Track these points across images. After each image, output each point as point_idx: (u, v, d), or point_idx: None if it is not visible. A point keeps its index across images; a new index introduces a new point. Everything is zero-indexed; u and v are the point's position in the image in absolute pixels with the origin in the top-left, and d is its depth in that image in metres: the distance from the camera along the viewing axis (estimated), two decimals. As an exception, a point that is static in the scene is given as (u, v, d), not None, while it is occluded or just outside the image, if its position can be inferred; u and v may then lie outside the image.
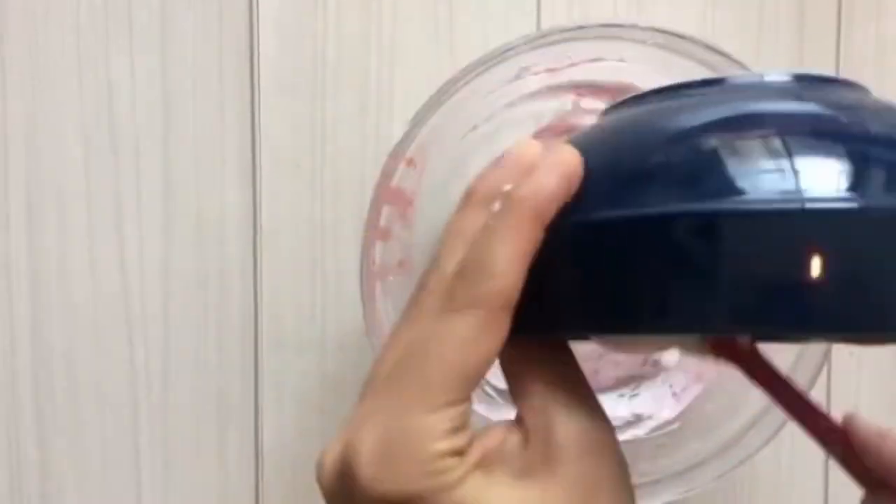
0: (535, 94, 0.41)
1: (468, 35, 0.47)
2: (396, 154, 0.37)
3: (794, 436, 0.29)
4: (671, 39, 0.36)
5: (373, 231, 0.37)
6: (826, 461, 0.49)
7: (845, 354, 0.48)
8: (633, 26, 0.37)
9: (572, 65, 0.39)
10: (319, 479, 0.25)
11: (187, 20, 0.47)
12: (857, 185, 0.21)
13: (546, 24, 0.47)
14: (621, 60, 0.39)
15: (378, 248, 0.38)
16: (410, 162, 0.38)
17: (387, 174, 0.37)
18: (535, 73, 0.40)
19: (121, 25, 0.47)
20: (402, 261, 0.41)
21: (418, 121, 0.37)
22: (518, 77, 0.39)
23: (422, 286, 0.26)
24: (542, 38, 0.37)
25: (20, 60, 0.47)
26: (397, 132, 0.47)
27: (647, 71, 0.39)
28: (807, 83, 0.25)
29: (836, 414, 0.28)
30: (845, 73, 0.48)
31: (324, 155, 0.48)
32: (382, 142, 0.47)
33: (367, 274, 0.38)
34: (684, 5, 0.47)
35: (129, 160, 0.47)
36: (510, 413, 0.26)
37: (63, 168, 0.42)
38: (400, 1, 0.47)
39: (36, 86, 0.47)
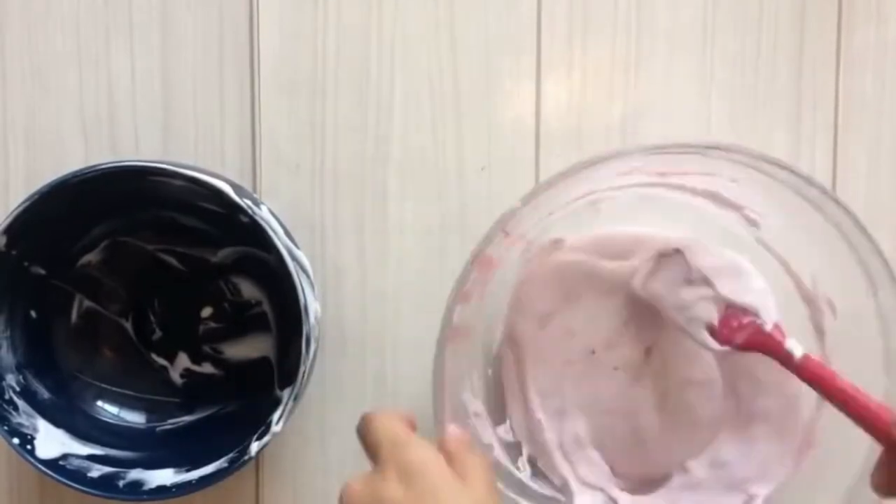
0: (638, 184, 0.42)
1: (468, 35, 0.47)
2: (500, 223, 0.37)
3: None
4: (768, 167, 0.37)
5: (459, 293, 0.37)
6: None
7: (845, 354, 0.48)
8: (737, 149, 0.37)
9: (684, 173, 0.41)
10: None
11: (187, 20, 0.47)
12: None
13: (546, 22, 0.47)
14: (734, 181, 0.40)
15: (458, 311, 0.38)
16: (507, 234, 0.38)
17: (487, 240, 0.37)
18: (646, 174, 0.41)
19: (121, 25, 0.47)
20: (464, 328, 0.40)
21: (527, 200, 0.37)
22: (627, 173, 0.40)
23: None
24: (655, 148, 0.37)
25: (20, 60, 0.47)
26: (397, 132, 0.47)
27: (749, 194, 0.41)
28: None
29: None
30: (846, 74, 0.48)
31: (324, 155, 0.48)
32: (382, 141, 0.47)
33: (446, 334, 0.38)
34: (684, 5, 0.47)
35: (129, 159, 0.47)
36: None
37: (63, 167, 0.42)
38: (400, 0, 0.47)
39: (36, 85, 0.48)
